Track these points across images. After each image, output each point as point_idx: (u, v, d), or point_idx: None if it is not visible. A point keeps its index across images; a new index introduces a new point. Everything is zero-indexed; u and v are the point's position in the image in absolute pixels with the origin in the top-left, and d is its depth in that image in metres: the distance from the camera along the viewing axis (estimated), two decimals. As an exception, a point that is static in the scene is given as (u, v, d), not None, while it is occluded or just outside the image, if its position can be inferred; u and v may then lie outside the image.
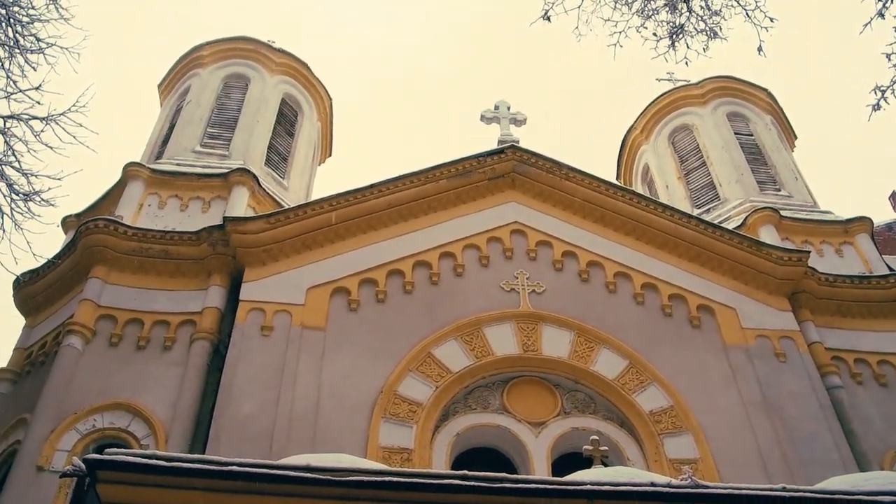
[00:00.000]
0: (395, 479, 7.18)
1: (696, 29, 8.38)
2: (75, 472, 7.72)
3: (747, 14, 8.24)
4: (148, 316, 12.95)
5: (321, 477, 7.13)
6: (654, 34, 8.46)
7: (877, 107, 9.58)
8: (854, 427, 12.85)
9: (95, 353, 12.51)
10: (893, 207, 31.73)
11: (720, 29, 8.44)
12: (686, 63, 8.49)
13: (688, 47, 8.43)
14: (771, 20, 8.42)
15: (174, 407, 11.81)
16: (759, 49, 8.44)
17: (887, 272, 15.40)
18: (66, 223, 15.72)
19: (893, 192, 32.13)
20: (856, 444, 12.60)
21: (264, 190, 15.46)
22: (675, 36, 8.33)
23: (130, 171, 15.13)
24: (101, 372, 12.27)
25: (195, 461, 7.40)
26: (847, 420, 12.91)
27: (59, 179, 10.16)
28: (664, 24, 8.43)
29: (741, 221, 16.21)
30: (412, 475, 7.36)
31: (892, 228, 29.01)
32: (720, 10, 8.43)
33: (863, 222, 16.57)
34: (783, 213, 16.39)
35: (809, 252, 14.93)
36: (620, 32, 8.53)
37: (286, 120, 18.47)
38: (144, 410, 11.80)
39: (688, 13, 8.28)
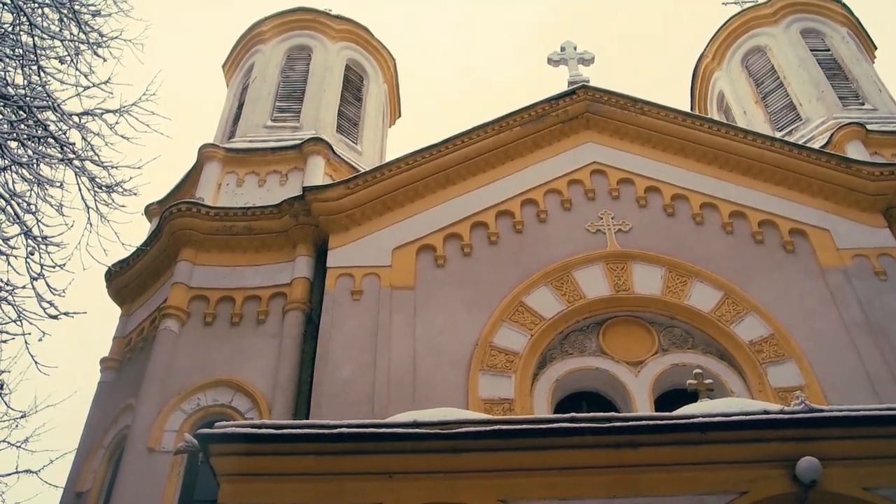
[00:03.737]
0: (504, 426, 7.18)
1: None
2: (188, 448, 7.93)
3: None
4: (238, 293, 13.15)
5: (429, 431, 7.18)
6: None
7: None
8: (962, 341, 12.37)
9: (192, 334, 12.78)
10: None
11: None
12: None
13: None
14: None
15: (273, 378, 12.00)
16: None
17: None
18: (149, 211, 16.04)
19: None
20: (965, 358, 12.14)
21: (339, 157, 15.51)
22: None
23: (206, 153, 15.32)
24: (200, 351, 12.54)
25: (304, 426, 7.53)
26: (952, 335, 12.44)
27: (138, 168, 10.36)
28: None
29: (826, 140, 15.67)
30: (520, 422, 7.36)
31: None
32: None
33: (957, 129, 15.85)
34: (869, 127, 15.77)
35: (902, 164, 14.35)
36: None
37: (352, 86, 18.44)
38: (245, 384, 12.03)
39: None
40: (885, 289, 12.86)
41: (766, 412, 7.39)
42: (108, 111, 10.13)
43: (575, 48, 16.71)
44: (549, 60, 16.62)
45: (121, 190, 10.22)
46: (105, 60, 10.55)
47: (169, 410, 11.88)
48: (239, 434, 7.36)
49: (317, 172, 14.67)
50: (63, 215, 9.75)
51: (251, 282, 13.29)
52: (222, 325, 12.90)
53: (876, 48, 19.76)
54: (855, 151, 14.99)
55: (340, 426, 7.27)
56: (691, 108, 20.58)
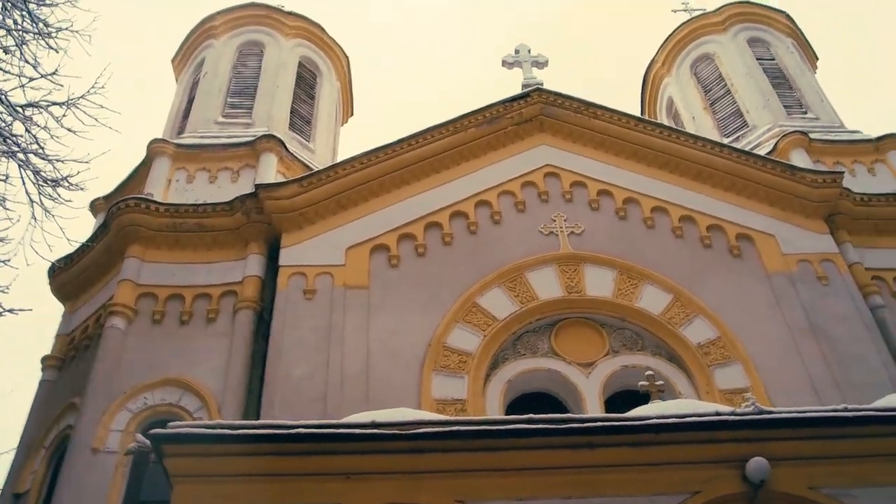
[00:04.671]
0: (462, 427, 7.21)
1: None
2: (140, 448, 7.82)
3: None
4: (188, 290, 12.98)
5: (388, 432, 7.18)
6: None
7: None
8: (900, 346, 12.76)
9: (139, 332, 12.57)
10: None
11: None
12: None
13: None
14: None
15: (224, 378, 11.87)
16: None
17: (921, 187, 15.20)
18: (94, 206, 15.72)
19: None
20: (903, 363, 12.51)
21: (292, 154, 15.41)
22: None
23: (155, 148, 15.09)
24: (147, 350, 12.33)
25: (260, 426, 7.47)
26: (892, 339, 12.83)
27: (86, 163, 10.09)
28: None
29: (772, 147, 16.03)
30: (478, 423, 7.39)
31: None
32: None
33: (893, 139, 16.35)
34: (812, 135, 16.19)
35: (843, 173, 14.77)
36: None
37: (305, 83, 18.34)
38: (194, 384, 11.88)
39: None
40: (827, 293, 13.20)
41: (718, 414, 7.53)
42: (55, 103, 9.88)
43: (529, 51, 16.82)
44: (504, 63, 16.71)
45: (67, 184, 9.95)
46: (55, 51, 10.29)
47: (115, 410, 11.65)
48: (193, 434, 7.28)
49: (269, 170, 14.55)
50: (6, 209, 9.52)
51: (201, 279, 13.12)
52: (171, 323, 12.72)
53: (818, 59, 20.26)
54: (799, 159, 15.35)
55: (297, 426, 7.23)
56: (641, 113, 20.85)
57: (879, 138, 16.34)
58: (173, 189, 14.59)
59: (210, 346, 12.34)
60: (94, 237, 14.09)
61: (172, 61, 19.48)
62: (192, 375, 11.98)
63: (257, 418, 10.98)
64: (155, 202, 13.69)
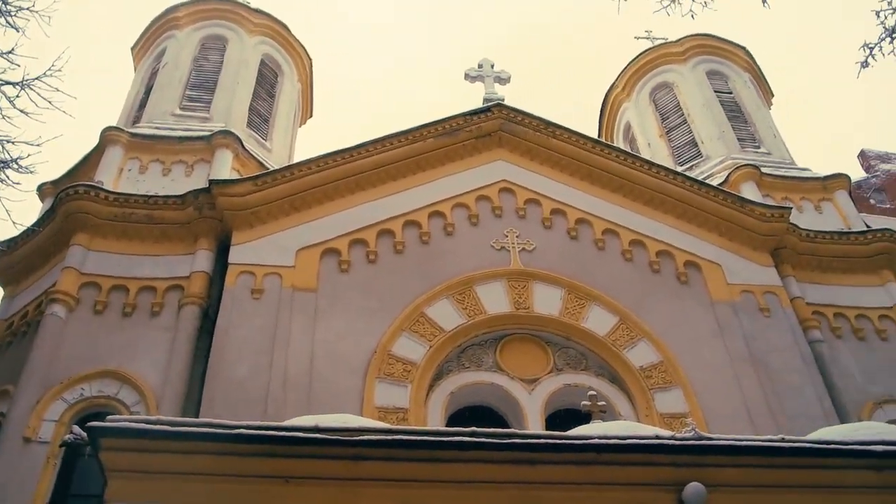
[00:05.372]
0: (405, 437, 7.19)
1: (698, -19, 8.38)
2: (75, 440, 7.67)
3: (751, -37, 8.24)
4: (133, 282, 12.78)
5: (330, 437, 7.11)
6: (659, -15, 8.46)
7: (865, 64, 9.66)
8: (834, 380, 13.10)
9: (80, 322, 12.34)
10: (862, 165, 32.12)
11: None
12: (692, 16, 8.47)
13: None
14: (773, -27, 8.45)
15: (164, 373, 11.70)
16: (764, 1, 8.46)
17: (865, 228, 15.59)
18: (42, 190, 15.42)
19: (862, 150, 32.48)
20: (836, 397, 12.83)
21: (248, 152, 15.26)
22: (679, -12, 8.34)
23: (109, 136, 14.84)
24: (87, 340, 12.12)
25: (201, 425, 7.36)
26: (828, 373, 13.13)
27: (37, 146, 9.97)
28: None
29: (724, 178, 16.30)
30: (421, 433, 7.38)
31: (861, 186, 29.40)
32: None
33: (841, 179, 16.76)
34: (764, 169, 16.50)
35: (791, 208, 15.08)
36: (627, -17, 8.48)
37: (266, 81, 18.20)
38: (134, 377, 11.69)
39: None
40: (768, 325, 13.46)
41: (658, 437, 7.60)
42: (9, 83, 9.74)
43: (492, 66, 16.90)
44: (467, 76, 16.77)
45: (16, 166, 9.82)
46: (14, 30, 10.10)
47: (49, 399, 11.42)
48: (132, 429, 7.14)
49: (224, 166, 14.38)
50: (-49, 190, 9.34)
51: (147, 272, 12.92)
52: (113, 314, 12.49)
53: (773, 95, 20.68)
54: (749, 192, 15.63)
55: (239, 427, 7.14)
56: (599, 136, 21.02)
57: (828, 177, 16.72)
58: (125, 178, 14.37)
59: (152, 339, 12.15)
60: (40, 222, 13.82)
61: (132, 49, 19.20)
62: (132, 369, 11.79)
63: (196, 416, 10.82)
64: (105, 190, 13.46)
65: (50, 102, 9.93)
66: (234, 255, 12.89)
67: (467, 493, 7.06)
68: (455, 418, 11.94)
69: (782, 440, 7.76)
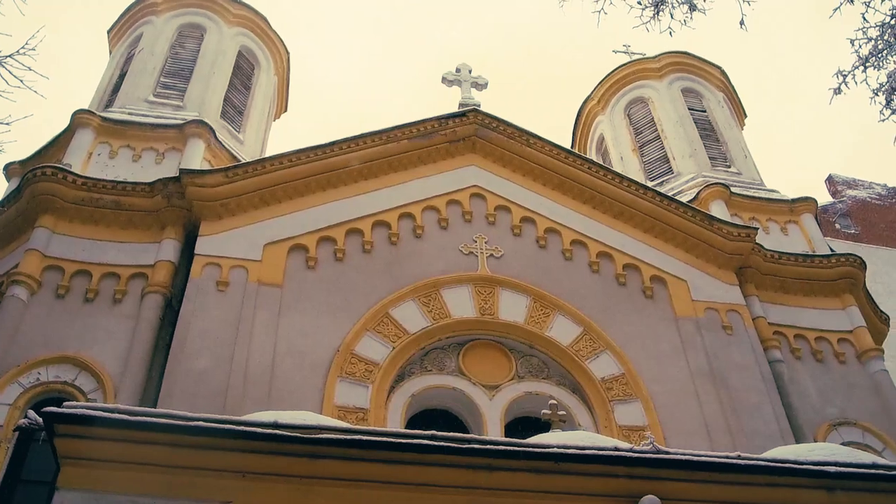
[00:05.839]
0: (364, 437, 7.16)
1: (678, 0, 8.46)
2: (31, 425, 7.56)
3: (731, -15, 8.33)
4: (97, 268, 12.62)
5: (289, 434, 7.08)
6: (639, 2, 8.52)
7: (838, 90, 9.80)
8: (792, 400, 13.23)
9: (41, 305, 12.16)
10: (829, 190, 32.60)
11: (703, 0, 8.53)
12: (670, 33, 8.54)
13: (671, 17, 8.50)
14: (753, -5, 8.54)
15: (124, 361, 11.56)
16: (741, 23, 8.56)
17: (829, 252, 15.79)
18: (9, 170, 15.23)
19: (830, 175, 32.98)
20: (793, 417, 12.97)
21: (220, 143, 15.13)
22: (659, 5, 8.40)
23: (80, 119, 14.66)
24: (47, 324, 11.94)
25: (160, 415, 7.28)
26: (786, 393, 13.28)
27: (6, 125, 9.86)
28: (649, -10, 8.48)
29: (693, 195, 16.43)
30: (381, 434, 7.34)
31: (828, 211, 29.84)
32: (703, -19, 8.52)
33: (808, 202, 16.95)
34: (733, 189, 16.65)
35: (758, 229, 15.23)
36: (607, -1, 8.53)
37: (242, 73, 18.08)
38: (92, 364, 11.54)
39: (672, -18, 8.35)
40: (730, 343, 13.57)
41: (616, 449, 7.64)
42: (-21, 59, 9.61)
43: (470, 71, 16.92)
44: (444, 80, 16.78)
45: (-16, 144, 9.70)
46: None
47: (5, 382, 11.23)
48: (89, 416, 7.05)
49: (196, 156, 14.24)
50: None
51: (112, 258, 12.76)
52: (75, 299, 12.32)
53: (746, 116, 20.90)
54: (718, 210, 15.77)
55: (198, 419, 7.08)
56: (572, 147, 21.16)
57: (795, 200, 16.92)
58: (94, 163, 14.20)
59: (113, 327, 12.00)
60: (6, 202, 13.61)
61: (108, 33, 18.99)
62: (91, 355, 11.64)
63: (154, 406, 10.73)
64: (73, 174, 13.28)
65: (21, 81, 9.82)
66: (201, 246, 12.78)
67: (425, 496, 7.05)
68: (415, 421, 11.93)
69: (738, 457, 7.83)
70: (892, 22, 9.23)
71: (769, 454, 8.63)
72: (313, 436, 7.07)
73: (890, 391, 13.89)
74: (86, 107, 15.52)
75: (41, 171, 13.14)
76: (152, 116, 15.35)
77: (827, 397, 13.70)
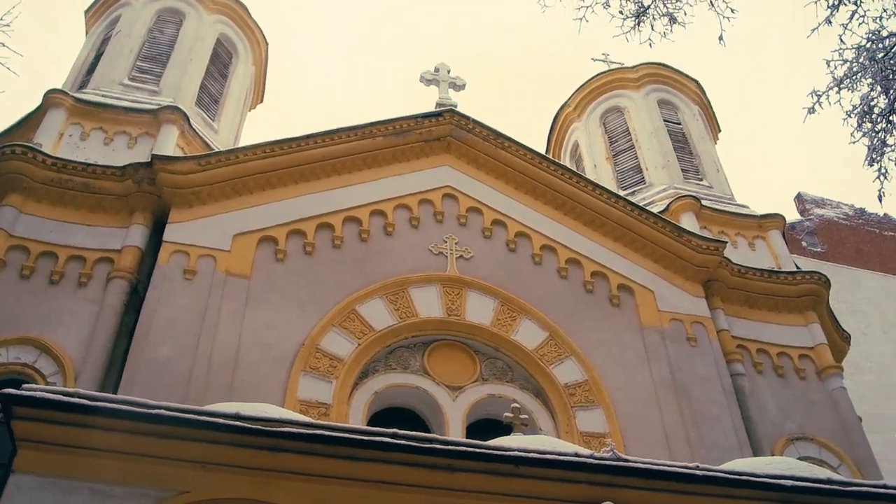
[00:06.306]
0: (326, 432, 7.15)
1: (658, 12, 8.52)
2: (-11, 406, 7.45)
3: (711, 2, 8.41)
4: (63, 250, 12.48)
5: (251, 426, 7.05)
6: (620, 12, 8.58)
7: (812, 110, 9.91)
8: (752, 414, 13.38)
9: (4, 285, 11.99)
10: (798, 208, 32.96)
11: (684, 13, 8.61)
12: (650, 44, 8.60)
13: (652, 28, 8.57)
14: (732, 11, 8.63)
15: (86, 346, 11.45)
16: (720, 38, 8.64)
17: (794, 269, 15.96)
18: (-23, 147, 14.99)
19: (799, 193, 33.34)
20: (752, 430, 13.12)
21: (194, 130, 15.02)
22: (640, 16, 8.46)
23: (53, 98, 14.47)
24: (9, 304, 11.78)
25: (121, 402, 7.21)
26: (746, 406, 13.41)
27: (-25, 100, 9.73)
28: (630, 2, 8.53)
29: (664, 207, 16.52)
30: (343, 430, 7.34)
31: (795, 228, 30.17)
32: (685, -4, 8.59)
33: (776, 219, 17.12)
34: (703, 202, 16.77)
35: (726, 242, 15.36)
36: (588, 7, 8.58)
37: (220, 61, 17.94)
38: (54, 347, 11.42)
39: (653, -5, 8.41)
40: (694, 354, 13.68)
41: (577, 455, 7.69)
42: (-48, 32, 9.48)
43: (449, 71, 16.91)
44: (422, 78, 16.76)
45: (-49, 119, 9.56)
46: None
47: (-37, 362, 11.10)
48: (48, 400, 6.97)
49: (169, 142, 14.12)
50: None
51: (79, 241, 12.61)
52: (40, 280, 12.17)
53: (720, 130, 21.09)
54: (688, 222, 15.88)
55: (160, 407, 7.03)
56: (546, 152, 21.21)
57: (764, 216, 17.09)
58: (64, 143, 14.02)
59: (77, 310, 11.88)
60: (-29, 179, 13.40)
61: (86, 13, 18.76)
62: (53, 338, 11.51)
63: (115, 392, 10.62)
64: (43, 153, 13.12)
65: (-6, 57, 9.70)
66: (170, 233, 12.68)
67: (384, 493, 7.05)
68: (377, 419, 11.90)
69: (697, 468, 7.90)
70: (868, 45, 9.35)
71: (727, 466, 8.72)
72: (275, 429, 7.04)
73: (847, 409, 14.08)
74: (59, 86, 15.34)
75: (10, 149, 12.97)
76: (127, 100, 15.19)
77: (786, 412, 13.85)
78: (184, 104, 15.47)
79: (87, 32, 18.59)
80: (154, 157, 13.14)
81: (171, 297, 11.92)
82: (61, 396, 7.03)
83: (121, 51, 16.51)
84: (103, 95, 15.21)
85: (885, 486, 8.19)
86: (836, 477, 8.56)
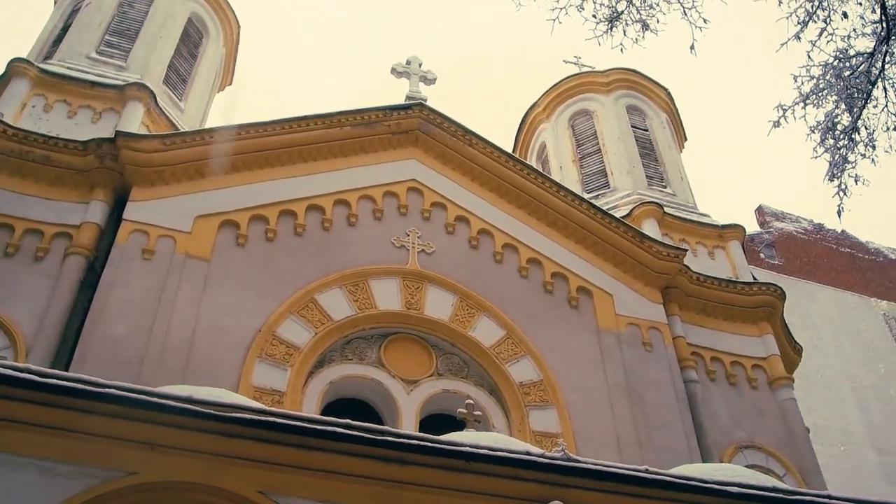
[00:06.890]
0: (279, 420, 7.09)
1: (631, 18, 8.57)
2: (-65, 377, 7.31)
3: (685, 11, 8.47)
4: (20, 222, 12.28)
5: (203, 410, 6.96)
6: (594, 16, 8.62)
7: (777, 124, 10.02)
8: (703, 420, 13.53)
9: (-44, 256, 11.81)
10: (758, 220, 33.38)
11: (656, 21, 8.66)
12: (621, 50, 8.64)
13: (624, 34, 8.61)
14: (704, 21, 8.70)
15: (40, 321, 11.28)
16: (692, 48, 8.71)
17: (751, 280, 16.16)
18: (-66, 114, 14.68)
19: (760, 206, 33.76)
20: (703, 436, 13.28)
21: (161, 109, 14.85)
22: (613, 21, 8.50)
23: (16, 68, 14.25)
24: (-40, 275, 11.60)
25: (71, 379, 7.09)
26: (697, 413, 13.57)
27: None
28: (603, 6, 8.58)
29: (627, 212, 16.62)
30: (296, 418, 7.28)
31: (754, 240, 30.56)
32: (657, 4, 8.65)
33: (736, 229, 17.31)
34: (666, 209, 16.89)
35: (687, 250, 15.50)
36: (562, 9, 8.60)
37: (190, 41, 17.74)
38: (6, 321, 11.24)
39: (627, 1, 8.45)
40: (648, 359, 13.81)
41: (528, 453, 7.69)
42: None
43: (420, 65, 16.86)
44: (393, 70, 16.70)
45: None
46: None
47: None
48: (-3, 374, 6.86)
49: (134, 119, 13.95)
50: None
51: (37, 214, 12.41)
52: (-6, 252, 12.00)
53: (686, 139, 21.26)
54: (650, 228, 15.99)
55: (111, 386, 6.92)
56: (513, 151, 21.24)
57: (725, 226, 17.27)
58: (27, 115, 13.81)
59: (32, 285, 11.70)
60: (-73, 148, 13.13)
61: (55, -18, 18.47)
62: (6, 312, 11.32)
63: (66, 369, 10.48)
64: (4, 123, 12.91)
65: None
66: (130, 211, 12.53)
67: (333, 483, 7.01)
68: (331, 408, 11.88)
69: (646, 471, 7.95)
70: (835, 63, 9.47)
71: (676, 470, 8.79)
72: (227, 414, 6.96)
73: (796, 419, 14.29)
74: (24, 56, 15.08)
75: (-30, 118, 12.74)
76: (93, 74, 14.97)
77: (736, 420, 14.03)
78: (151, 82, 15.27)
79: (55, 2, 18.28)
80: (118, 133, 12.97)
81: (128, 276, 11.79)
82: (11, 371, 6.90)
83: (89, 23, 16.25)
84: (69, 68, 14.97)
85: (829, 497, 8.31)
86: (780, 485, 8.65)
